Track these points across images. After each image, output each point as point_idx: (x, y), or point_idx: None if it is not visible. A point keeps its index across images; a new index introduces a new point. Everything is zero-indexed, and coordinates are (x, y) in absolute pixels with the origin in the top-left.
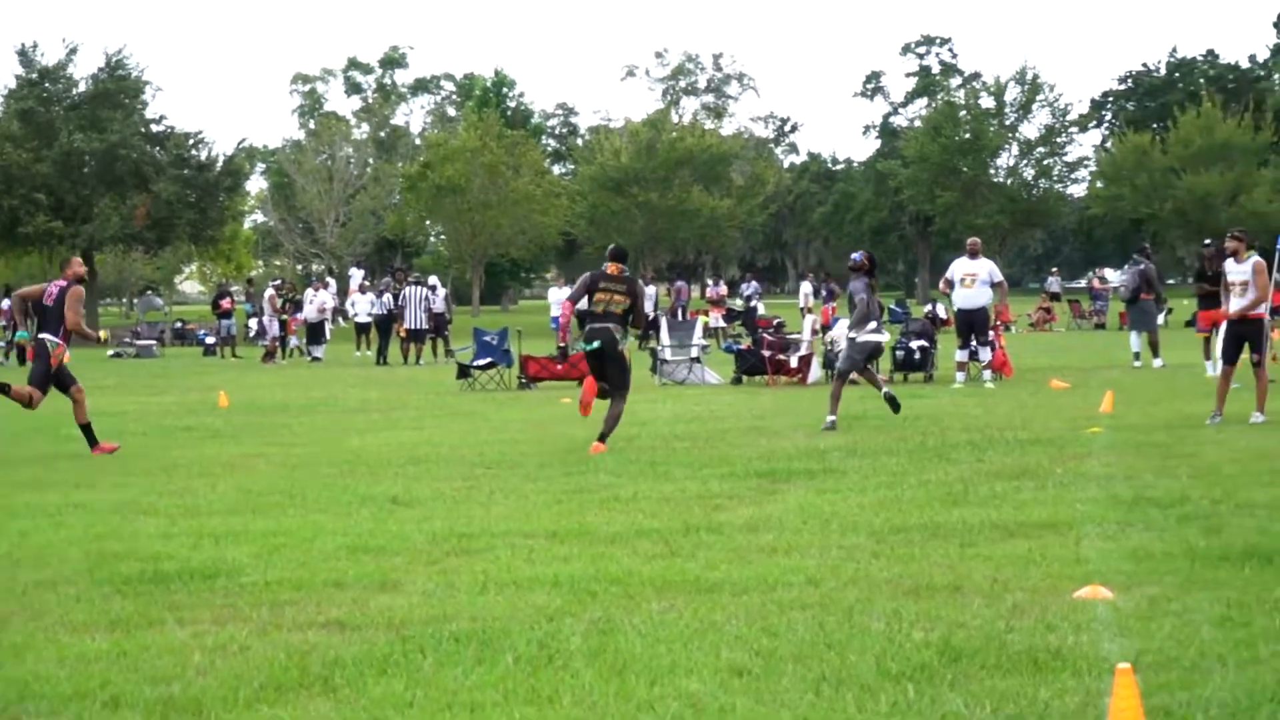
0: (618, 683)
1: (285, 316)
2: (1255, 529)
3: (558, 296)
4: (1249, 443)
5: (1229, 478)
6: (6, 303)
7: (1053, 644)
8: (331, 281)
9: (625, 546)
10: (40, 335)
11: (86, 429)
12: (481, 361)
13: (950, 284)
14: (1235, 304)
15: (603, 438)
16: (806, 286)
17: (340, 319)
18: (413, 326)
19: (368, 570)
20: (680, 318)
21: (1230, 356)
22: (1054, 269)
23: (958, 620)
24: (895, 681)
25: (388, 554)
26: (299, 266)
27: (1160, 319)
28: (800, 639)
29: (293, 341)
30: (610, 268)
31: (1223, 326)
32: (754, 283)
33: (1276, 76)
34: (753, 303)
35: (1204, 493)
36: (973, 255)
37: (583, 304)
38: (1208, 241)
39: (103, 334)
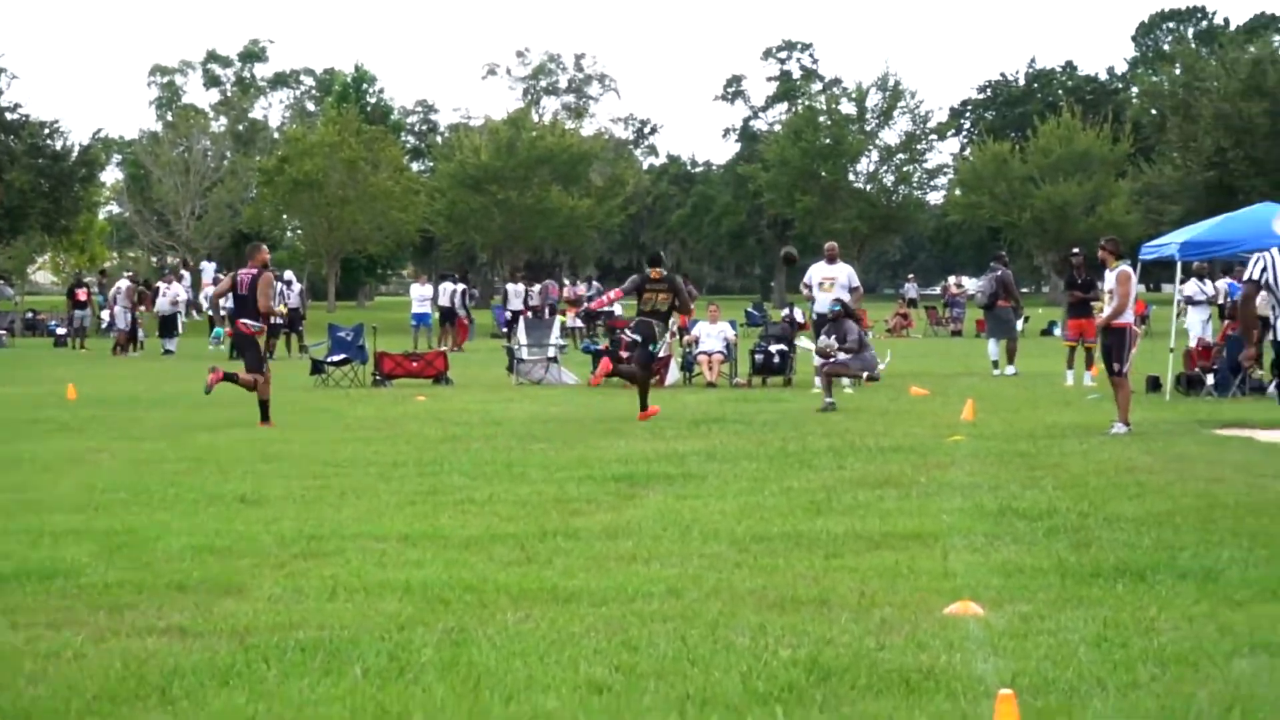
0: (471, 699)
1: (140, 310)
2: (1124, 544)
3: (419, 293)
4: (1112, 455)
5: (1095, 490)
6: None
7: (925, 663)
8: (186, 274)
9: (480, 552)
10: None
11: None
12: (336, 358)
13: (809, 288)
14: (1106, 313)
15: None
16: None
17: (194, 312)
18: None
19: (212, 573)
20: (549, 316)
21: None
22: (910, 275)
23: (825, 636)
24: (762, 702)
25: (234, 556)
26: (154, 259)
27: (1019, 326)
28: (662, 654)
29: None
30: (653, 273)
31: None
32: (594, 284)
33: (1134, 89)
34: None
35: (1071, 505)
36: (831, 260)
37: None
38: (1076, 250)
39: None
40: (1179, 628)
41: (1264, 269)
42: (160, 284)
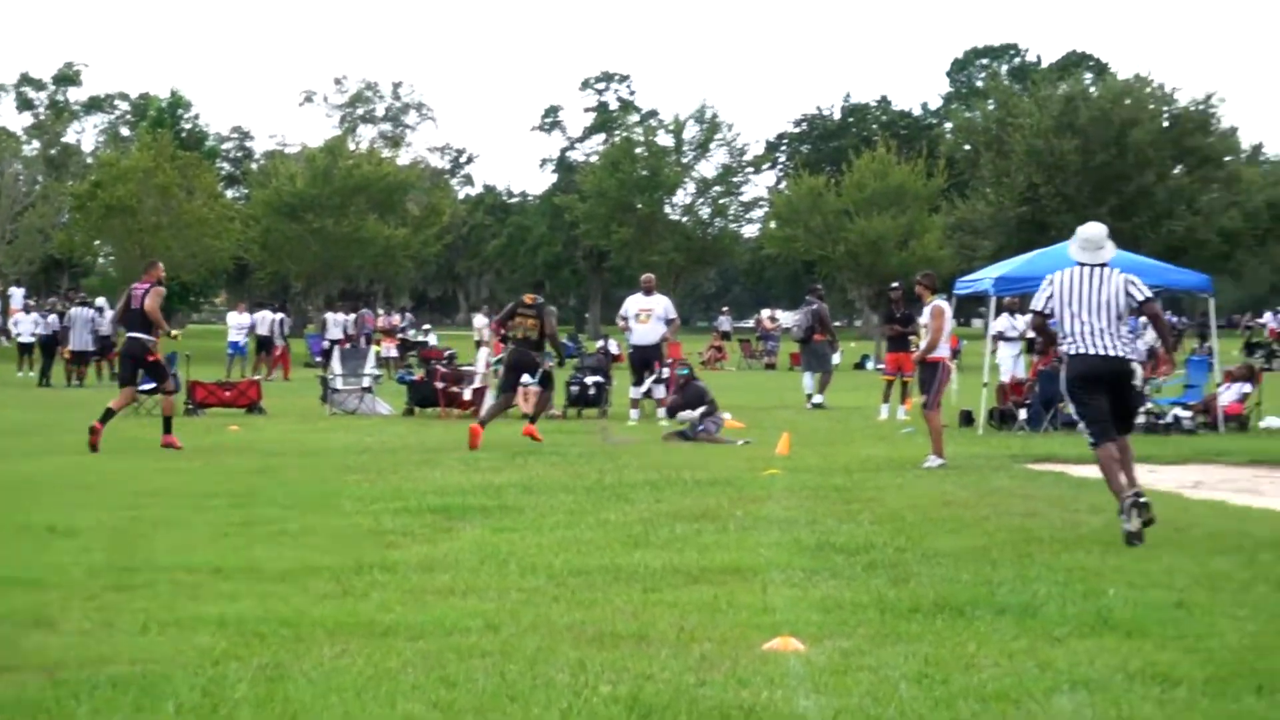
0: None
1: None
2: (943, 579)
3: (236, 321)
4: (927, 488)
5: (912, 525)
6: None
7: (746, 700)
8: None
9: (295, 585)
10: None
11: None
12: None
13: (625, 319)
14: (922, 347)
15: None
16: (480, 319)
17: (3, 338)
18: (77, 348)
19: (20, 605)
20: (365, 345)
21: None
22: (725, 308)
23: (645, 672)
24: None
25: (43, 588)
26: None
27: (835, 359)
28: (481, 690)
29: None
30: (527, 297)
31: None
32: (407, 315)
33: (948, 124)
34: (409, 334)
35: (889, 540)
36: (647, 292)
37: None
38: (895, 284)
39: None
40: (999, 664)
41: (1049, 297)
42: None
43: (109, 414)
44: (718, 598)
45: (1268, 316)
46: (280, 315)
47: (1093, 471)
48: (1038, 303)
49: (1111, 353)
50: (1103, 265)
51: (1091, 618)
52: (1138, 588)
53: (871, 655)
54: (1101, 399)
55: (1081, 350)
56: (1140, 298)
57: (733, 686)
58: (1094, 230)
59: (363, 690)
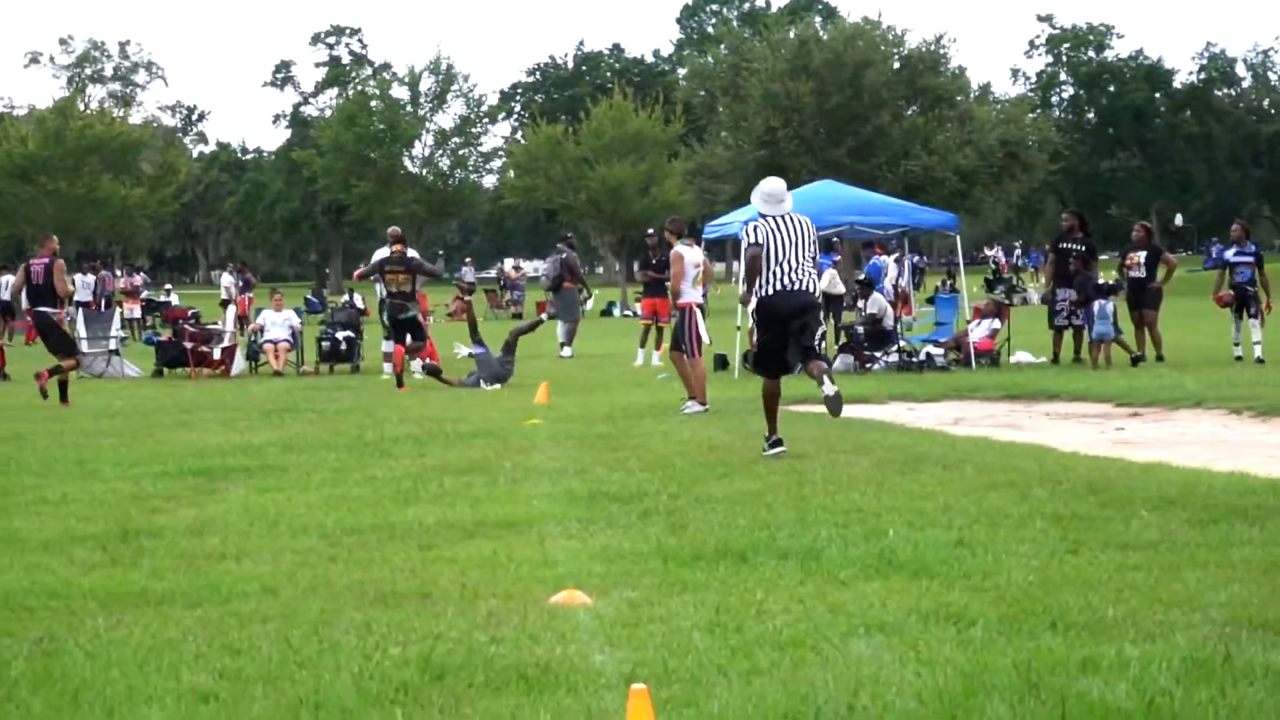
0: (71, 715)
1: None
2: (720, 525)
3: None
4: (693, 434)
5: (682, 471)
6: None
7: (540, 657)
8: None
9: (60, 555)
10: None
11: None
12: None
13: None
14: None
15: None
16: (228, 278)
17: None
18: None
19: None
20: (104, 308)
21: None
22: (467, 259)
23: (432, 631)
24: (378, 704)
25: None
26: None
27: (587, 306)
28: (267, 657)
29: None
30: (395, 248)
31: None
32: (142, 274)
33: (681, 70)
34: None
35: (661, 487)
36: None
37: None
38: (650, 231)
39: None
40: (790, 610)
41: (767, 233)
42: None
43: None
44: (497, 552)
45: (998, 251)
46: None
47: (853, 411)
48: (751, 243)
49: (805, 285)
50: (788, 214)
51: (874, 559)
52: (916, 527)
53: (661, 605)
54: (789, 333)
55: (781, 287)
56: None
57: (525, 643)
58: (774, 185)
59: (144, 662)
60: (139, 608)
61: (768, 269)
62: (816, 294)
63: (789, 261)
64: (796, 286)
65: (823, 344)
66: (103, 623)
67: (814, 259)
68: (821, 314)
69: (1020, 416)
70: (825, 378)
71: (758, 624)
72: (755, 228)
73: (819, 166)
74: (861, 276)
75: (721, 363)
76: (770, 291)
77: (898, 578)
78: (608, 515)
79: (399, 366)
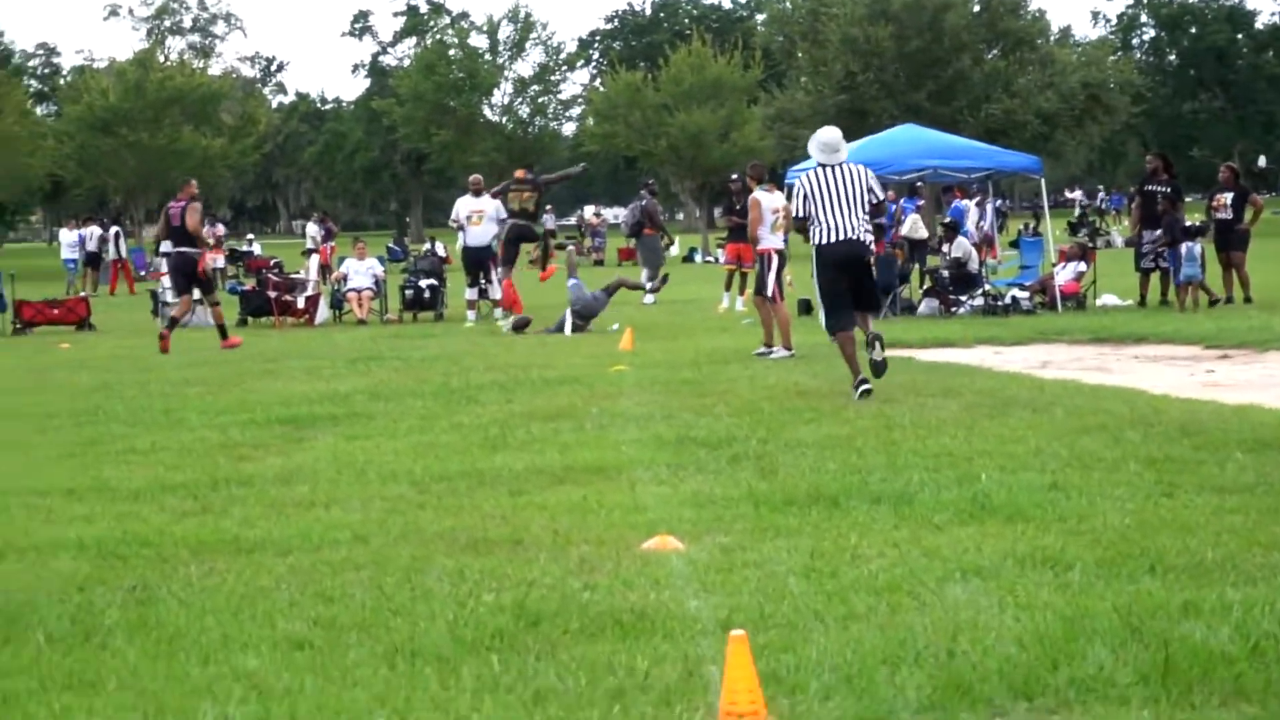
0: (166, 662)
1: None
2: (811, 469)
3: (69, 239)
4: (779, 379)
5: (770, 415)
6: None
7: (635, 603)
8: None
9: (151, 503)
10: None
11: None
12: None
13: (458, 222)
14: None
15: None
16: (313, 228)
17: None
18: None
19: None
20: None
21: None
22: (548, 206)
23: (526, 579)
24: (474, 651)
25: None
26: None
27: (673, 252)
28: (361, 605)
29: None
30: (518, 173)
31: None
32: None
33: (759, 16)
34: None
35: (749, 432)
36: (476, 193)
37: None
38: (734, 176)
39: None
40: (884, 554)
41: (804, 197)
42: None
43: (173, 322)
44: (587, 498)
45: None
46: (115, 229)
47: (940, 355)
48: (796, 209)
49: (856, 235)
50: (842, 164)
51: (968, 503)
52: (1009, 471)
53: (754, 551)
54: (844, 283)
55: (832, 238)
56: (878, 198)
57: (619, 589)
58: (830, 134)
59: (238, 610)
60: (231, 555)
61: (819, 219)
62: (869, 242)
63: (840, 212)
64: (845, 236)
65: (907, 287)
66: (195, 571)
67: (868, 208)
68: (873, 264)
69: (1109, 359)
70: (877, 344)
71: (852, 569)
72: (799, 188)
73: (899, 111)
74: (946, 220)
75: (805, 307)
76: (823, 241)
77: (992, 522)
78: (696, 460)
79: (510, 299)
